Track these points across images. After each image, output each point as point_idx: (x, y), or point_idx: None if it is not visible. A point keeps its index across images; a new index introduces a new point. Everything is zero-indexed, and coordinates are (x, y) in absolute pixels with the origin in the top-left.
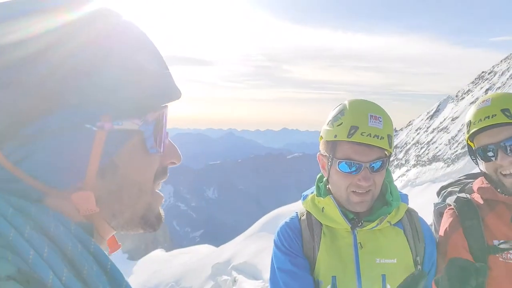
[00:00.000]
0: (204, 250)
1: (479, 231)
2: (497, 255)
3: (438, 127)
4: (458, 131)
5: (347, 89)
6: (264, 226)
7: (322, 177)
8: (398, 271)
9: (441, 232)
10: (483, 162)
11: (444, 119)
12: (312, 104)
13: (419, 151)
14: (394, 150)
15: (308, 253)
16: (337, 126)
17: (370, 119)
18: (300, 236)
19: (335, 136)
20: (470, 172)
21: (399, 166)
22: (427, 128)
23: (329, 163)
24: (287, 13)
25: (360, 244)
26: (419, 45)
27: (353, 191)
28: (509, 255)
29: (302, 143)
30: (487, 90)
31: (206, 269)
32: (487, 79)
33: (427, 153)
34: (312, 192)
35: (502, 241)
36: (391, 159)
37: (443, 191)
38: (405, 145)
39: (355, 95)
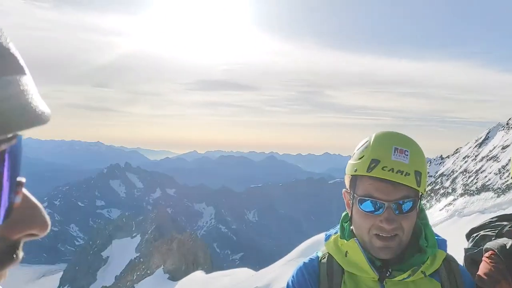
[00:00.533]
0: (243, 273)
1: None
2: None
3: (488, 156)
4: (509, 160)
5: (391, 115)
6: (304, 252)
7: (347, 216)
8: None
9: (482, 278)
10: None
11: (494, 147)
12: (355, 130)
13: (466, 180)
14: (441, 178)
15: None
16: (359, 159)
17: (394, 152)
18: (316, 282)
19: (355, 170)
20: (504, 214)
21: (445, 195)
22: (476, 156)
23: (351, 201)
24: (331, 39)
25: None
26: (467, 71)
27: (375, 234)
28: None
29: (344, 169)
30: None
31: None
32: None
33: (476, 182)
34: (336, 232)
35: None
36: (437, 187)
37: (474, 235)
38: (452, 173)
39: (400, 121)
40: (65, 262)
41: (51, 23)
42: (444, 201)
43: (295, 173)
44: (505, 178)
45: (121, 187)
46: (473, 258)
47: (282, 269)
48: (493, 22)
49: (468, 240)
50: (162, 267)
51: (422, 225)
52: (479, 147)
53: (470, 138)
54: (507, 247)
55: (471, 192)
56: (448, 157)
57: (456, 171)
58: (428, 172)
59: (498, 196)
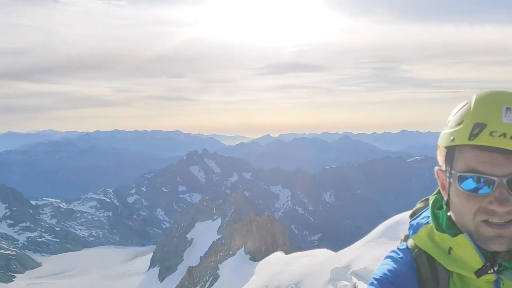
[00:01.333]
0: (322, 254)
1: None
2: None
3: None
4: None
5: (475, 86)
6: (384, 232)
7: (439, 200)
8: None
9: None
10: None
11: None
12: (434, 104)
13: None
14: None
15: None
16: (457, 126)
17: (506, 113)
18: (416, 282)
19: (452, 140)
20: None
21: None
22: None
23: (448, 180)
24: (403, 10)
25: None
26: None
27: (484, 221)
28: None
29: (423, 146)
30: None
31: (325, 273)
32: None
33: None
34: (427, 222)
35: None
36: None
37: None
38: None
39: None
40: (154, 243)
41: (128, 20)
42: None
43: (371, 152)
44: None
45: (200, 173)
46: None
47: (362, 250)
48: None
49: None
50: (243, 248)
51: None
52: None
53: None
54: None
55: None
56: None
57: None
58: None
59: None
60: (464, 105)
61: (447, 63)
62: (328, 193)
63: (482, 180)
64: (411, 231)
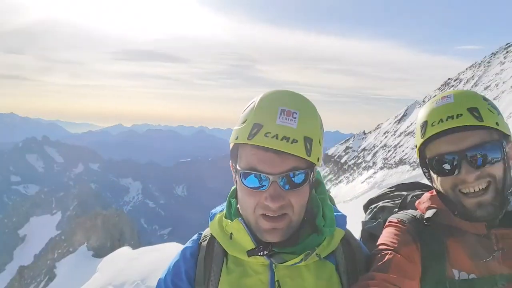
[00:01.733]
0: (172, 248)
1: (442, 260)
2: None
3: (405, 131)
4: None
5: (319, 91)
6: None
7: (235, 190)
8: None
9: (386, 243)
10: (438, 176)
11: (411, 124)
12: None
13: (386, 154)
14: (363, 152)
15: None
16: (241, 124)
17: (280, 115)
18: (194, 269)
19: (237, 138)
20: (401, 183)
21: (367, 168)
22: (395, 132)
23: (235, 175)
24: (262, 13)
25: (278, 283)
26: (390, 51)
27: (262, 215)
28: None
29: None
30: None
31: None
32: (452, 85)
33: (394, 156)
34: (222, 210)
35: (462, 272)
36: (359, 161)
37: (372, 206)
38: (373, 148)
39: (327, 97)
40: None
41: None
42: (366, 174)
43: (225, 147)
44: None
45: (39, 162)
46: (371, 231)
47: None
48: (415, 4)
49: (365, 212)
50: (86, 244)
51: (320, 201)
52: (398, 123)
53: (390, 115)
54: (416, 221)
55: (390, 165)
56: (370, 132)
57: (377, 146)
58: (351, 147)
59: (414, 169)
60: (251, 103)
61: (297, 67)
62: (180, 186)
63: (260, 177)
64: (210, 218)
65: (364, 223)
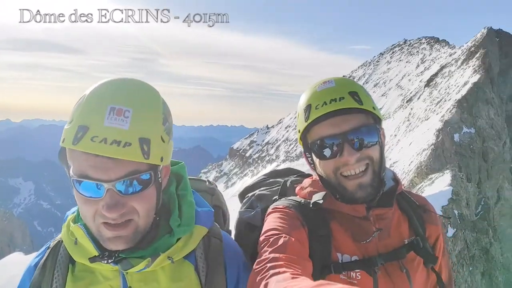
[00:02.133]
0: None
1: (328, 244)
2: (339, 274)
3: None
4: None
5: (224, 86)
6: None
7: None
8: None
9: (273, 229)
10: (319, 160)
11: None
12: (190, 100)
13: (288, 147)
14: (267, 146)
15: None
16: (68, 123)
17: (109, 114)
18: (39, 278)
19: (63, 141)
20: (274, 170)
21: (270, 161)
22: (296, 126)
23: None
24: (165, 5)
25: None
26: (292, 49)
27: (103, 223)
28: (351, 273)
29: (178, 138)
30: None
31: None
32: None
33: (295, 149)
34: (75, 212)
35: (345, 255)
36: (263, 154)
37: (249, 195)
38: (276, 142)
39: (231, 92)
40: None
41: None
42: (269, 167)
43: None
44: None
45: None
46: (249, 221)
47: None
48: (314, 4)
49: (241, 201)
50: None
51: (178, 198)
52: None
53: (291, 110)
54: (301, 206)
55: (292, 158)
56: (273, 127)
57: (280, 140)
58: (256, 141)
59: None
60: (80, 99)
61: (202, 62)
62: None
63: (94, 185)
64: (64, 219)
65: (241, 213)
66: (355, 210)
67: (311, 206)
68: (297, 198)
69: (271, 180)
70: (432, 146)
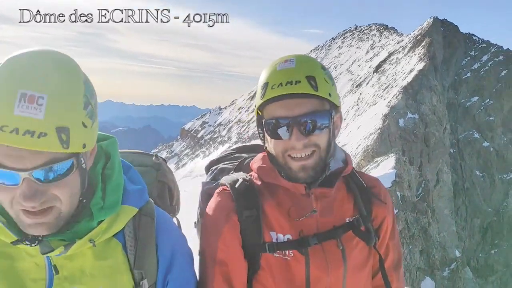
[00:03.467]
0: None
1: (258, 224)
2: (272, 253)
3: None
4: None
5: (176, 65)
6: None
7: None
8: None
9: (210, 222)
10: (271, 139)
11: None
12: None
13: (240, 129)
14: (219, 127)
15: None
16: None
17: (20, 102)
18: None
19: None
20: (243, 145)
21: (222, 142)
22: (248, 108)
23: None
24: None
25: (55, 267)
26: (245, 30)
27: (22, 210)
28: (284, 252)
29: (127, 117)
30: None
31: None
32: None
33: (247, 131)
34: None
35: (279, 234)
36: (215, 135)
37: (213, 168)
38: (228, 123)
39: (184, 71)
40: None
41: None
42: (221, 148)
43: None
44: None
45: None
46: (210, 193)
47: None
48: None
49: (206, 173)
50: None
51: (104, 178)
52: (251, 99)
53: (244, 91)
54: (237, 185)
55: (244, 140)
56: (225, 108)
57: (232, 121)
58: (208, 122)
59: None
60: None
61: (153, 40)
62: None
63: (8, 174)
64: None
65: (203, 184)
66: (295, 188)
67: (237, 186)
68: (242, 175)
69: (236, 155)
70: (379, 131)
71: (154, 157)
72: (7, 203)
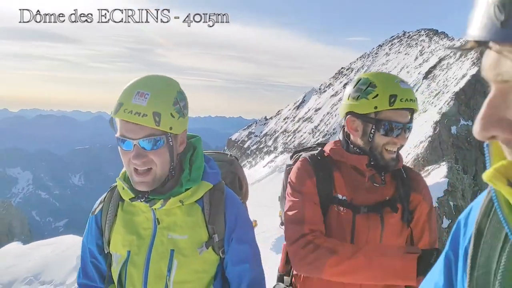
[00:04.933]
0: (68, 240)
1: (329, 183)
2: (334, 206)
3: (303, 117)
4: (320, 121)
5: (221, 77)
6: None
7: None
8: (188, 247)
9: (294, 177)
10: (382, 135)
11: (309, 110)
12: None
13: (286, 139)
14: (265, 137)
15: (103, 226)
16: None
17: (136, 96)
18: (100, 212)
19: (111, 113)
20: (322, 141)
21: (268, 152)
22: (294, 117)
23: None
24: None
25: (158, 220)
26: (287, 41)
27: (134, 169)
28: (341, 207)
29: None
30: (345, 84)
31: (70, 260)
32: (345, 74)
33: (293, 141)
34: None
35: (340, 196)
36: (261, 146)
37: (296, 155)
38: (274, 133)
39: (229, 83)
40: None
41: None
42: (267, 158)
43: None
44: (316, 137)
45: None
46: (289, 169)
47: None
48: None
49: (291, 159)
50: None
51: (190, 162)
52: (297, 109)
53: (289, 101)
54: (313, 156)
55: (290, 149)
56: (271, 118)
57: (278, 131)
58: (254, 132)
59: None
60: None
61: (197, 53)
62: (77, 175)
63: (126, 142)
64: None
65: (287, 166)
66: (359, 162)
67: (319, 157)
68: (317, 153)
69: (316, 147)
70: (429, 138)
71: (229, 155)
72: (126, 163)
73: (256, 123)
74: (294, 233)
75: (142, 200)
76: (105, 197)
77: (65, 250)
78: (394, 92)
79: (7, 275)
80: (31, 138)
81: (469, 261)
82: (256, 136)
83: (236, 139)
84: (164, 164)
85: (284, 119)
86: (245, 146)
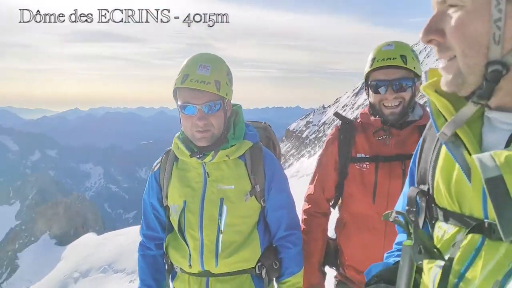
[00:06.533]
0: (138, 231)
1: (349, 144)
2: (355, 164)
3: (363, 104)
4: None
5: (279, 67)
6: None
7: None
8: (235, 195)
9: (324, 145)
10: (373, 93)
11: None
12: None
13: None
14: (323, 126)
15: (161, 183)
16: (177, 76)
17: (199, 67)
18: (158, 170)
19: (175, 84)
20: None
21: None
22: (353, 105)
23: (178, 109)
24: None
25: (208, 173)
26: (345, 25)
27: (196, 131)
28: (363, 164)
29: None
30: None
31: None
32: None
33: None
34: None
35: (361, 154)
36: (320, 135)
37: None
38: (333, 122)
39: (287, 73)
40: None
41: None
42: None
43: None
44: None
45: None
46: None
47: None
48: None
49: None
50: (48, 232)
51: (233, 124)
52: (356, 96)
53: (348, 88)
54: (347, 121)
55: None
56: (329, 106)
57: (336, 119)
58: (312, 121)
59: None
60: (183, 64)
61: (255, 44)
62: (143, 169)
63: (191, 107)
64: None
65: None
66: (376, 121)
67: (347, 123)
68: (349, 119)
69: None
70: None
71: (263, 123)
72: (189, 128)
73: (314, 112)
74: (304, 206)
75: (197, 156)
76: (162, 158)
77: (136, 240)
78: (374, 55)
79: (85, 264)
80: (100, 134)
81: (417, 161)
82: (315, 125)
83: (294, 129)
84: (220, 125)
85: (343, 106)
86: (304, 135)
